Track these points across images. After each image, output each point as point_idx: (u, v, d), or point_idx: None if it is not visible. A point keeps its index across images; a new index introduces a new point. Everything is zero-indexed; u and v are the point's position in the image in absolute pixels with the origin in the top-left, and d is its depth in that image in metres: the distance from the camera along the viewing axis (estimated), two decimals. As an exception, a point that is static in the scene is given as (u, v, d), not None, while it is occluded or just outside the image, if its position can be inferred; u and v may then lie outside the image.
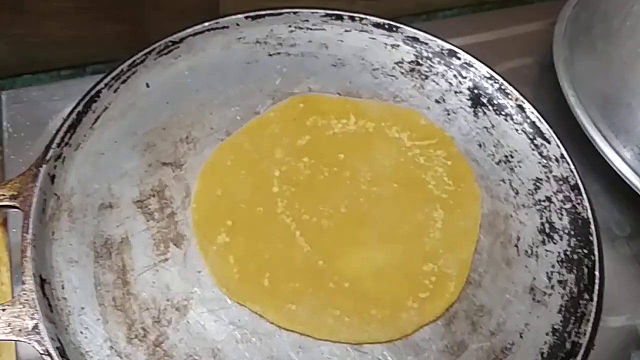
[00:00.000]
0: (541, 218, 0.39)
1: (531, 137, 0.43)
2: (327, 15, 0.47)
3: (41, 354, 0.30)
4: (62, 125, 0.38)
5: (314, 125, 0.42)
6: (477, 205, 0.39)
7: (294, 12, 0.46)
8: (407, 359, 0.34)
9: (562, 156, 0.41)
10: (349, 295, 0.35)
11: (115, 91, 0.41)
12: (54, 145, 0.37)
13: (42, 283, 0.33)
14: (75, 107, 0.39)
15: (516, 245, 0.38)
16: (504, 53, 0.56)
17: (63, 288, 0.33)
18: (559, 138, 0.42)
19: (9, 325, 0.31)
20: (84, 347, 0.32)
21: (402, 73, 0.46)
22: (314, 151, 0.41)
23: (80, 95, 0.40)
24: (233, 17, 0.45)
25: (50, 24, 0.48)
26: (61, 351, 0.31)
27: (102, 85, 0.40)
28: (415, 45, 0.46)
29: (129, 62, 0.42)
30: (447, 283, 0.36)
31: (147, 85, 0.42)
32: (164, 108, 0.42)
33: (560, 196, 0.40)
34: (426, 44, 0.46)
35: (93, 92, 0.40)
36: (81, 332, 0.32)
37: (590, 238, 0.38)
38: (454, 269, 0.37)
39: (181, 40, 0.44)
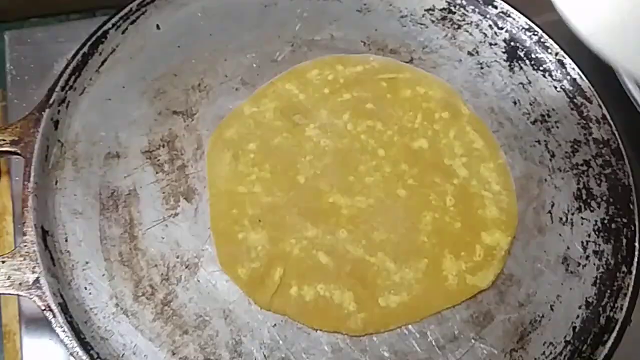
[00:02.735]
0: (578, 183, 0.37)
1: (571, 95, 0.39)
2: (353, -45, 0.43)
3: (42, 309, 0.29)
4: (66, 67, 0.36)
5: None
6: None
7: (318, -49, 0.43)
8: (429, 328, 0.32)
9: (604, 117, 0.38)
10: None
11: (123, 32, 0.38)
12: (57, 89, 0.35)
13: (44, 235, 0.31)
14: (80, 49, 0.36)
15: (550, 212, 0.36)
16: (546, 3, 0.52)
17: (66, 241, 0.32)
18: (600, 98, 0.39)
19: (8, 279, 0.29)
20: (89, 303, 0.30)
21: (432, 21, 0.42)
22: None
23: (87, 36, 0.37)
24: (251, -45, 0.42)
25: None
26: (64, 307, 0.29)
27: (109, 25, 0.38)
28: (448, -10, 0.43)
29: (138, 0, 0.39)
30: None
31: (158, 27, 0.39)
32: (175, 52, 0.39)
33: (600, 160, 0.37)
34: (460, -11, 0.42)
35: (99, 33, 0.37)
36: (85, 288, 0.31)
37: (631, 206, 0.35)
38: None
39: (195, -22, 0.41)
